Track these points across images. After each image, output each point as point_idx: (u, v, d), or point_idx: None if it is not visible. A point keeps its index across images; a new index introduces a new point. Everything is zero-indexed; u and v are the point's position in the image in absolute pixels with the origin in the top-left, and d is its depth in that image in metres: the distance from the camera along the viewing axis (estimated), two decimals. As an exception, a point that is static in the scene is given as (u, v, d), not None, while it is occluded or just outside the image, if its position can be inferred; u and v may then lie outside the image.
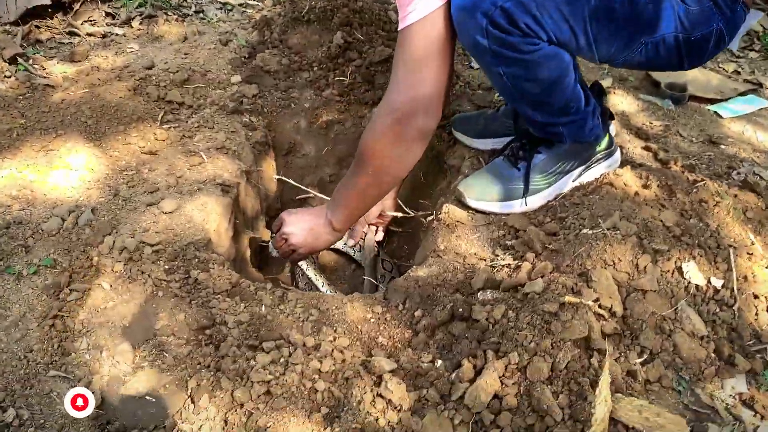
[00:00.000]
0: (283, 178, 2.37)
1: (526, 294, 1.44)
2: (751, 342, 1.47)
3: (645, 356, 1.39)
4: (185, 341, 1.44)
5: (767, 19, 3.04)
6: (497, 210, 1.84)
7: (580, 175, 1.87)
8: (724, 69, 2.77)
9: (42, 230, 1.69)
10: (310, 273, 2.10)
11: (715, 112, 2.43)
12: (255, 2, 3.18)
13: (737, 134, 2.32)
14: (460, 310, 1.46)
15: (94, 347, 1.42)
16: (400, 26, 1.42)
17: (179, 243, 1.71)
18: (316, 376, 1.29)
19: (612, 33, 1.52)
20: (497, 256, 1.69)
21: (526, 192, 1.82)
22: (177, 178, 1.94)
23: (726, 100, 2.48)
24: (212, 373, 1.35)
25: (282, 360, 1.33)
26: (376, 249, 2.32)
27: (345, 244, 2.35)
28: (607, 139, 1.89)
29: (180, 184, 1.92)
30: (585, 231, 1.59)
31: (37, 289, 1.55)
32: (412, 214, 2.22)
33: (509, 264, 1.62)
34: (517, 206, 1.84)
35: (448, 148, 2.26)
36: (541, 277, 1.50)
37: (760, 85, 2.63)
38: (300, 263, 2.10)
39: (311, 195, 2.36)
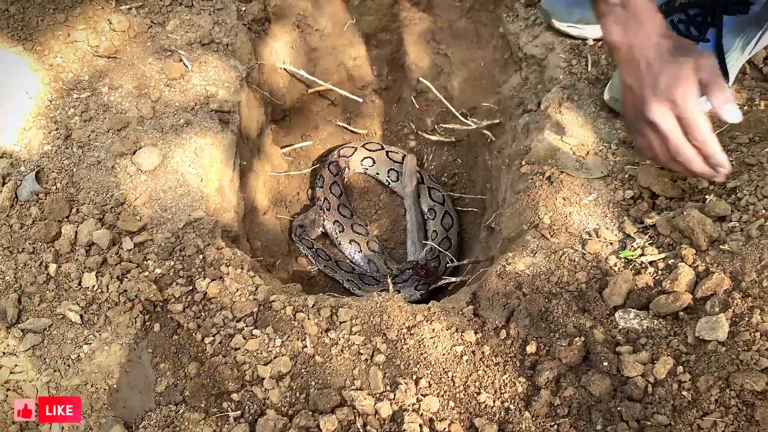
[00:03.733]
0: (291, 68, 1.86)
1: (702, 340, 1.06)
2: None
3: None
4: (204, 414, 1.07)
5: None
6: None
7: (755, 44, 1.48)
8: None
9: (-35, 214, 1.24)
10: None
11: None
12: None
13: None
14: (603, 360, 1.08)
15: (70, 433, 1.04)
16: None
17: (171, 225, 1.30)
18: (416, 507, 0.94)
19: None
20: (630, 237, 1.28)
21: (726, 77, 1.44)
22: (153, 103, 1.46)
23: None
24: (254, 481, 0.99)
25: (359, 471, 0.97)
26: (419, 174, 1.88)
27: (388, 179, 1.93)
28: None
29: (158, 114, 1.46)
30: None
31: (-31, 325, 1.13)
32: (471, 124, 1.77)
33: (655, 262, 1.21)
34: None
35: (526, 27, 1.75)
36: (713, 297, 1.11)
37: None
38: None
39: (328, 89, 1.89)
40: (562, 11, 1.65)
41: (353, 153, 1.96)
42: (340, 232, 1.84)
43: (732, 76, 1.49)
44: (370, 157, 1.97)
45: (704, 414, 1.01)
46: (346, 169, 1.96)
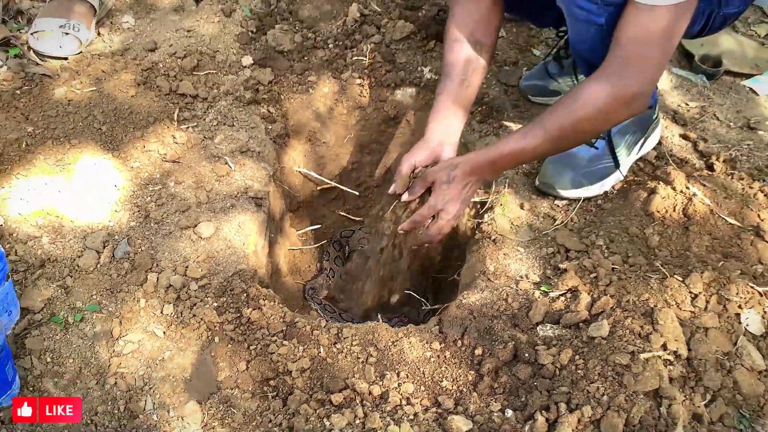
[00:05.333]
0: (304, 171, 2.38)
1: (591, 337, 1.52)
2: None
3: (708, 397, 1.49)
4: (251, 394, 1.50)
5: (798, -29, 3.01)
6: (595, 193, 1.96)
7: (641, 146, 2.00)
8: (756, 33, 2.78)
9: (79, 267, 1.70)
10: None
11: (751, 88, 2.46)
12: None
13: (775, 116, 2.36)
14: (526, 354, 1.53)
15: (159, 407, 1.47)
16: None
17: (223, 274, 1.74)
18: (397, 442, 1.37)
19: None
20: (550, 279, 1.75)
21: (618, 166, 1.94)
22: (207, 192, 1.94)
23: (761, 73, 2.50)
24: (286, 432, 1.42)
25: (358, 422, 1.40)
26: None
27: None
28: (657, 105, 2.02)
29: (211, 200, 1.92)
30: (639, 260, 1.67)
31: (87, 339, 1.58)
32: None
33: (565, 294, 1.68)
34: (612, 180, 1.97)
35: (479, 138, 2.27)
36: (602, 313, 1.57)
37: (795, 53, 2.65)
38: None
39: (332, 186, 2.38)
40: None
41: (352, 234, 2.46)
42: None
43: (624, 170, 2.01)
44: (365, 238, 2.46)
45: (591, 382, 1.42)
46: (347, 246, 2.45)
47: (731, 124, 2.30)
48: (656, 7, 1.41)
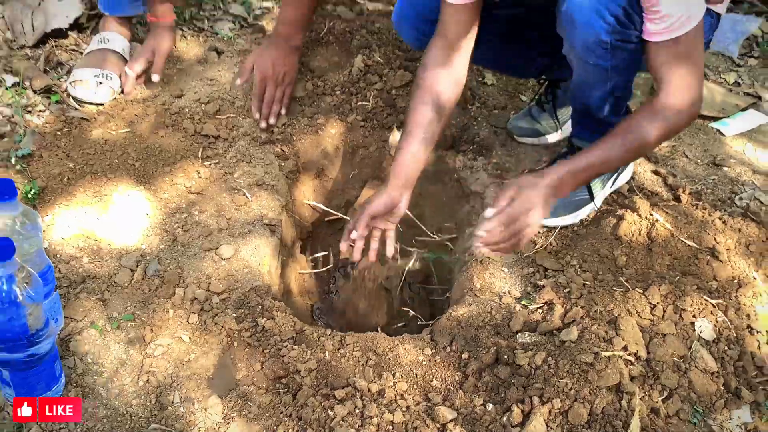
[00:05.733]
0: (313, 203, 2.62)
1: (563, 341, 1.72)
2: (754, 375, 1.77)
3: (665, 393, 1.69)
4: (265, 390, 1.70)
5: (767, 24, 3.28)
6: (571, 221, 2.17)
7: (615, 181, 2.21)
8: (725, 80, 3.02)
9: (115, 283, 1.93)
10: None
11: (718, 130, 2.70)
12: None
13: (738, 154, 2.59)
14: (505, 357, 1.74)
15: (186, 400, 1.68)
16: (677, 33, 1.60)
17: (241, 290, 1.95)
18: (390, 427, 1.57)
19: None
20: (530, 294, 1.96)
21: (592, 198, 2.15)
22: (227, 220, 2.17)
23: (728, 116, 2.75)
24: (295, 421, 1.62)
25: (357, 411, 1.61)
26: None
27: None
28: None
29: (231, 227, 2.15)
30: (607, 276, 1.88)
31: (122, 343, 1.79)
32: (437, 238, 2.49)
33: (542, 306, 1.90)
34: (587, 210, 2.17)
35: (471, 173, 2.51)
36: (573, 322, 1.78)
37: (759, 98, 2.90)
38: None
39: (339, 217, 2.62)
40: None
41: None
42: None
43: (598, 202, 2.23)
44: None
45: (560, 379, 1.62)
46: (352, 272, 2.67)
47: (699, 161, 2.53)
48: (679, 37, 1.62)
